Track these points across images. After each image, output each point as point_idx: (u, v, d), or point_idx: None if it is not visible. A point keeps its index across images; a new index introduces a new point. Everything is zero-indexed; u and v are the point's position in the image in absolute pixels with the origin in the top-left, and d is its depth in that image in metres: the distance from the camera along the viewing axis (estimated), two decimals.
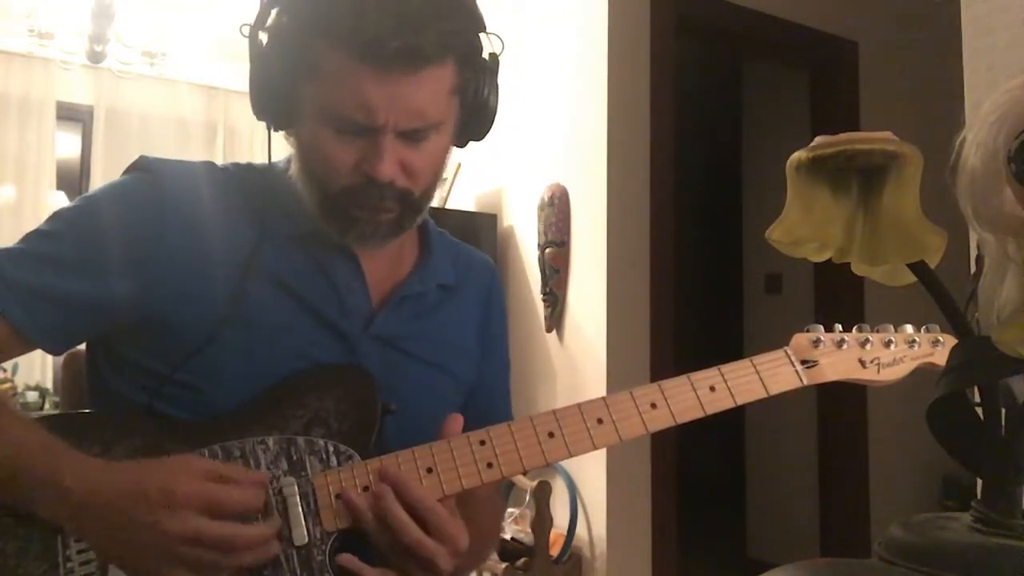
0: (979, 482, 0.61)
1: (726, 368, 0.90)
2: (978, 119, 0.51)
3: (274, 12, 0.87)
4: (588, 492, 2.58)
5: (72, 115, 3.43)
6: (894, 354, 0.92)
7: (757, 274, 3.79)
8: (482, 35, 0.90)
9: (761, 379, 0.90)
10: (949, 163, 0.52)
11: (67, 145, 3.44)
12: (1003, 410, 0.57)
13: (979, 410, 0.58)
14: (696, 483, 3.21)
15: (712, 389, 0.88)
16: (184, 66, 3.46)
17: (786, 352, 0.92)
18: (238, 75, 3.51)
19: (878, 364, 0.91)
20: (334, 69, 0.82)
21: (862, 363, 0.92)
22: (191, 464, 0.78)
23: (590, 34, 2.74)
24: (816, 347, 0.92)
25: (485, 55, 0.91)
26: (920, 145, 0.56)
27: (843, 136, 0.58)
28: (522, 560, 2.45)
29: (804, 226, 0.59)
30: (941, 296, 0.57)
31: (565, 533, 2.53)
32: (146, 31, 3.26)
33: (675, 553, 2.67)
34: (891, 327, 0.94)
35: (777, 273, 3.67)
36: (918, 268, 0.58)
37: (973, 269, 0.58)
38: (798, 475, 3.46)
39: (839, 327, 0.94)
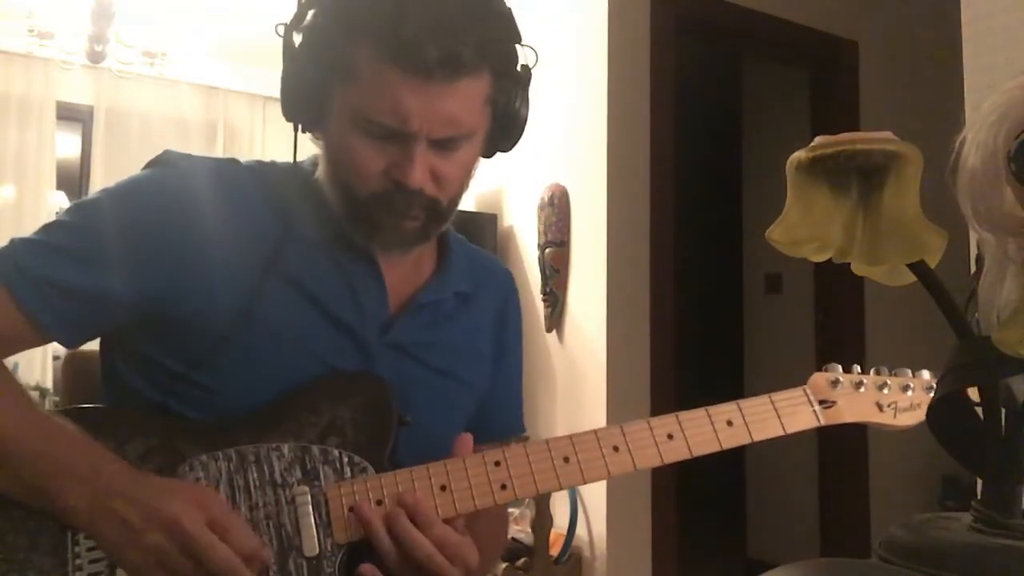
0: (979, 482, 0.61)
1: (744, 403, 0.90)
2: (978, 119, 0.51)
3: (311, 13, 0.86)
4: (588, 492, 2.58)
5: (72, 115, 3.43)
6: (912, 399, 0.93)
7: (757, 274, 3.79)
8: (517, 46, 0.89)
9: (779, 416, 0.90)
10: (949, 163, 0.52)
11: (67, 145, 3.44)
12: (1003, 410, 0.57)
13: (979, 410, 0.58)
14: (696, 483, 3.21)
15: (729, 423, 0.89)
16: (184, 66, 3.46)
17: (805, 391, 0.93)
18: (238, 75, 3.54)
19: (895, 408, 0.92)
20: (370, 72, 0.81)
21: (879, 406, 0.92)
22: (218, 494, 0.80)
23: (590, 34, 2.74)
24: (834, 387, 0.92)
25: (518, 67, 0.90)
26: (920, 145, 0.56)
27: (843, 136, 0.58)
28: (522, 560, 2.45)
29: (804, 226, 0.59)
30: (941, 296, 0.57)
31: (565, 533, 2.53)
32: (146, 31, 3.25)
33: (675, 553, 2.67)
34: (909, 372, 0.95)
35: (777, 273, 3.67)
36: (918, 268, 0.58)
37: (973, 269, 0.58)
38: (798, 475, 3.46)
39: (858, 368, 0.95)
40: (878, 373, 0.95)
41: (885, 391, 0.93)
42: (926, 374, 0.95)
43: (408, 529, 0.78)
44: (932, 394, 0.91)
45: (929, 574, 0.53)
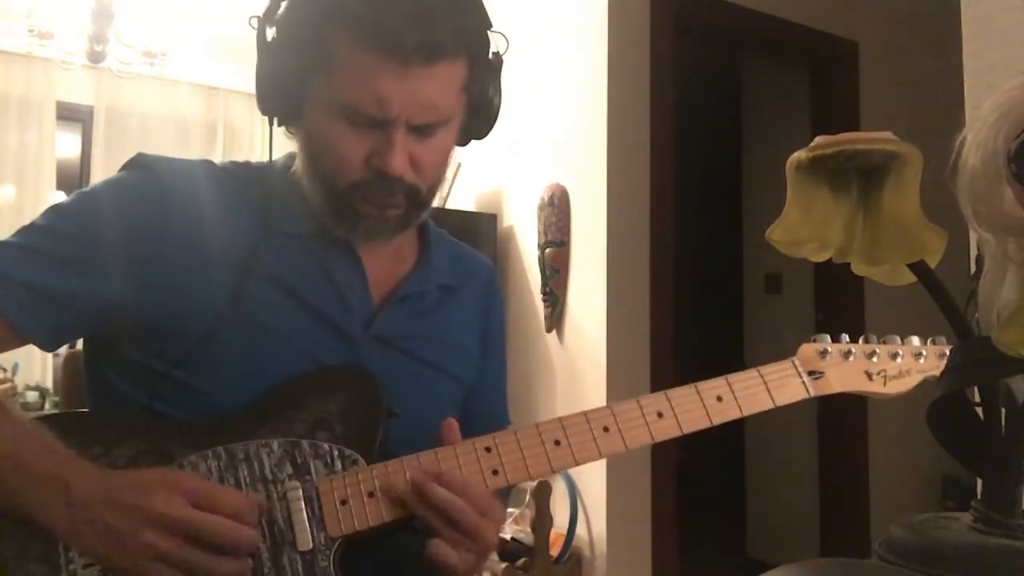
0: (979, 482, 0.61)
1: (733, 378, 0.89)
2: (978, 119, 0.51)
3: (284, 4, 0.86)
4: (588, 492, 2.58)
5: (72, 115, 3.43)
6: (900, 367, 0.91)
7: (757, 274, 3.79)
8: (489, 33, 0.91)
9: (768, 390, 0.90)
10: (949, 163, 0.52)
11: (67, 145, 3.44)
12: (1003, 410, 0.57)
13: (979, 410, 0.58)
14: (696, 483, 3.21)
15: (719, 399, 0.88)
16: (184, 66, 3.46)
17: (793, 363, 0.92)
18: (238, 75, 3.53)
19: (884, 376, 0.91)
20: (349, 60, 0.81)
21: (868, 375, 0.91)
22: (192, 473, 0.79)
23: (590, 34, 2.74)
24: (823, 358, 0.91)
25: (490, 54, 0.91)
26: (920, 145, 0.56)
27: (843, 136, 0.58)
28: (522, 560, 2.45)
29: (804, 226, 0.59)
30: (941, 296, 0.57)
31: (565, 533, 2.53)
32: (146, 31, 3.25)
33: (675, 553, 2.67)
34: (898, 339, 0.93)
35: (777, 273, 3.67)
36: (918, 268, 0.58)
37: (973, 269, 0.58)
38: (798, 475, 3.46)
39: (846, 337, 0.93)
40: (867, 342, 0.93)
41: (874, 359, 0.91)
42: (915, 340, 0.93)
43: (434, 488, 0.79)
44: (922, 360, 0.91)
45: (929, 574, 0.53)
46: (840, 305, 3.25)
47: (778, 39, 3.16)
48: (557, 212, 2.76)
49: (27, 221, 0.87)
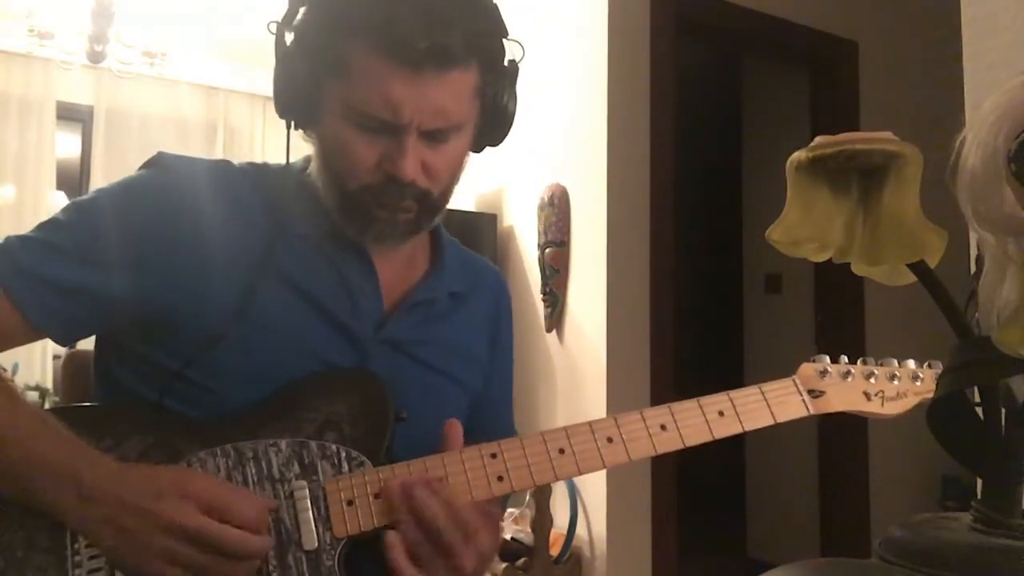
0: (979, 482, 0.61)
1: (735, 393, 0.91)
2: (978, 119, 0.51)
3: (302, 10, 0.87)
4: (588, 492, 2.58)
5: (72, 115, 3.43)
6: (898, 388, 0.94)
7: (757, 274, 3.79)
8: (504, 40, 0.91)
9: (769, 406, 0.92)
10: (949, 163, 0.52)
11: (67, 145, 3.44)
12: (1003, 410, 0.57)
13: (979, 410, 0.58)
14: (696, 483, 3.21)
15: (721, 414, 0.90)
16: (184, 66, 3.46)
17: (794, 381, 0.94)
18: (238, 75, 3.53)
19: (882, 397, 0.94)
20: (361, 66, 0.82)
21: (867, 395, 0.94)
22: (206, 474, 0.80)
23: (590, 34, 2.74)
24: (823, 377, 0.94)
25: (506, 61, 0.92)
26: (920, 145, 0.56)
27: (843, 136, 0.58)
28: (522, 560, 2.45)
29: (804, 226, 0.59)
30: (941, 296, 0.57)
31: (565, 533, 2.53)
32: (146, 31, 3.25)
33: (675, 553, 2.67)
34: (895, 361, 0.96)
35: (777, 273, 3.67)
36: (918, 268, 0.58)
37: (973, 269, 0.58)
38: (798, 475, 3.46)
39: (845, 358, 0.96)
40: (865, 363, 0.96)
41: (872, 380, 0.94)
42: (911, 363, 0.96)
43: (428, 498, 0.79)
44: (918, 383, 0.93)
45: (929, 574, 0.53)
46: (840, 305, 3.25)
47: (778, 39, 3.16)
48: (557, 212, 2.76)
49: (27, 221, 0.88)
